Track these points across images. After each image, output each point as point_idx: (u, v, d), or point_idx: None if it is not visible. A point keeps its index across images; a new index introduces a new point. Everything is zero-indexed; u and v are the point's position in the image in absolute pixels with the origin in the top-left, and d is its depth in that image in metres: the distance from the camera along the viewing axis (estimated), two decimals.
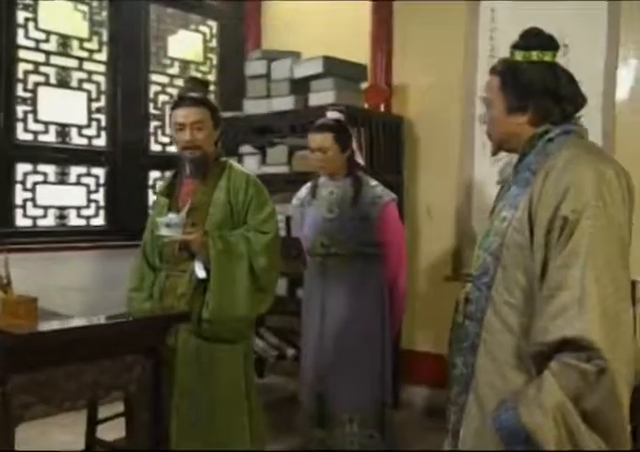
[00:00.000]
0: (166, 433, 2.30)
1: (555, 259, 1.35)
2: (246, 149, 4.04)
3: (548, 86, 1.50)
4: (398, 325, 3.19)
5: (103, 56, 3.99)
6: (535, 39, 1.54)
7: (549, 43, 1.54)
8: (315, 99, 3.61)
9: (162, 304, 2.37)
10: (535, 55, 1.52)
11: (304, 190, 3.06)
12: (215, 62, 4.67)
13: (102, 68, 3.99)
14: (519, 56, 1.53)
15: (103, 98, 4.00)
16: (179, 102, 2.37)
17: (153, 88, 4.27)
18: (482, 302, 1.51)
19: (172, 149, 4.43)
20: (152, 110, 4.26)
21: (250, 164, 3.95)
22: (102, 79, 3.99)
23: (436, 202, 3.88)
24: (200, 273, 2.30)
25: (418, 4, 3.91)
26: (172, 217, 2.30)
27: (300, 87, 3.76)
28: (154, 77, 4.28)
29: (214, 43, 4.65)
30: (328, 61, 3.57)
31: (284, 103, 3.74)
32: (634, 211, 1.44)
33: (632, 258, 1.40)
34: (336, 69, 3.60)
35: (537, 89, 1.50)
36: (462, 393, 1.55)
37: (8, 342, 1.85)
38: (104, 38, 3.98)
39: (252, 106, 3.94)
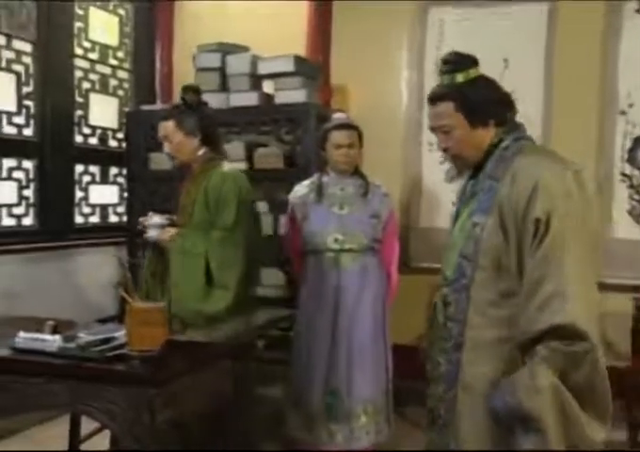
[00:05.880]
0: None
1: (533, 256, 1.45)
2: None
3: (497, 95, 1.64)
4: None
5: (31, 35, 3.54)
6: (465, 59, 1.65)
7: (475, 60, 1.66)
8: (283, 97, 3.59)
9: None
10: (472, 73, 1.63)
11: (302, 188, 3.06)
12: (129, 48, 4.36)
13: (29, 47, 3.54)
14: (460, 77, 1.62)
15: (31, 82, 3.55)
16: None
17: (77, 74, 3.88)
18: (462, 304, 1.58)
19: (94, 141, 4.08)
20: (77, 98, 3.87)
21: None
22: (30, 61, 3.55)
23: None
24: None
25: (360, 3, 4.02)
26: (150, 218, 2.53)
27: (257, 82, 3.72)
28: (77, 62, 3.89)
29: (129, 28, 4.34)
30: (298, 60, 3.58)
31: (245, 98, 3.66)
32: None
33: None
34: (304, 68, 3.62)
35: (492, 101, 1.62)
36: (450, 388, 1.61)
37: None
38: (33, 13, 3.53)
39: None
